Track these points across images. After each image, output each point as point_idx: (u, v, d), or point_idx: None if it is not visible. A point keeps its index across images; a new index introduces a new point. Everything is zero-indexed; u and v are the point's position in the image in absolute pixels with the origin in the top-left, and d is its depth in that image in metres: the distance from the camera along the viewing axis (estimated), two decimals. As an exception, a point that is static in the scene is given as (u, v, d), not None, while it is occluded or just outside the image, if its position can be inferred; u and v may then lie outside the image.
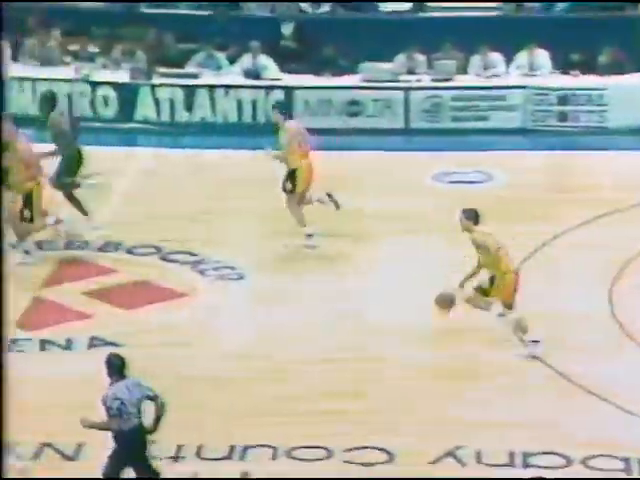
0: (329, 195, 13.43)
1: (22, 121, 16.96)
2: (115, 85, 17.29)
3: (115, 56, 17.70)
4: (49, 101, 14.30)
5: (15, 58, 17.68)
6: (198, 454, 9.73)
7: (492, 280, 11.07)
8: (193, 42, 17.92)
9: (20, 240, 13.11)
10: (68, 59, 17.65)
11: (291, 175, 13.36)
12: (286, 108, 16.77)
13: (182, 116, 17.30)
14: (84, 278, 12.71)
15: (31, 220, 13.01)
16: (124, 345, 11.37)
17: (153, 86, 17.32)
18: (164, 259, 13.19)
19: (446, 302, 11.19)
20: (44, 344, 11.45)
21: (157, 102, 17.30)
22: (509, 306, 11.08)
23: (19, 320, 11.82)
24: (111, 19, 17.96)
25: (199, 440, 9.85)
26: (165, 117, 17.25)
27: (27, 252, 13.18)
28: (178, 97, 17.29)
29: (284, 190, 13.38)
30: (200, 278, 12.78)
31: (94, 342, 11.46)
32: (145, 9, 18.24)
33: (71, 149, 13.86)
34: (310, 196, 13.48)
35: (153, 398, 8.73)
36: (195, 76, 17.45)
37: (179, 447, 9.76)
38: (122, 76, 17.41)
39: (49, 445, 9.65)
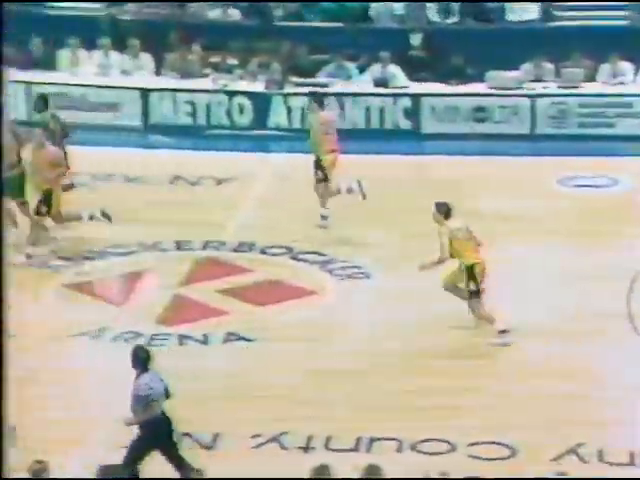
0: (359, 183, 13.94)
1: (162, 129, 17.78)
2: (250, 94, 17.81)
3: (251, 68, 18.27)
4: (42, 102, 14.74)
5: (158, 72, 18.39)
6: (326, 445, 10.03)
7: (471, 269, 11.44)
8: (324, 53, 18.31)
9: (33, 243, 13.07)
10: (207, 71, 18.26)
11: (318, 164, 14.13)
12: (414, 114, 17.24)
13: (312, 123, 17.71)
14: (220, 277, 13.09)
15: (47, 214, 13.19)
16: (256, 340, 11.80)
17: (285, 95, 17.82)
18: (295, 259, 13.54)
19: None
20: (182, 339, 11.85)
21: (289, 110, 17.76)
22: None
23: (160, 316, 12.31)
24: (248, 33, 18.47)
25: (328, 432, 10.15)
26: (296, 124, 17.65)
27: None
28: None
29: (318, 180, 14.11)
30: (328, 277, 13.11)
31: (229, 337, 11.87)
32: (279, 22, 18.75)
33: None
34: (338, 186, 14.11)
35: (167, 393, 9.11)
36: (325, 85, 17.89)
37: (309, 438, 10.09)
38: (257, 86, 17.97)
39: (188, 435, 9.91)
